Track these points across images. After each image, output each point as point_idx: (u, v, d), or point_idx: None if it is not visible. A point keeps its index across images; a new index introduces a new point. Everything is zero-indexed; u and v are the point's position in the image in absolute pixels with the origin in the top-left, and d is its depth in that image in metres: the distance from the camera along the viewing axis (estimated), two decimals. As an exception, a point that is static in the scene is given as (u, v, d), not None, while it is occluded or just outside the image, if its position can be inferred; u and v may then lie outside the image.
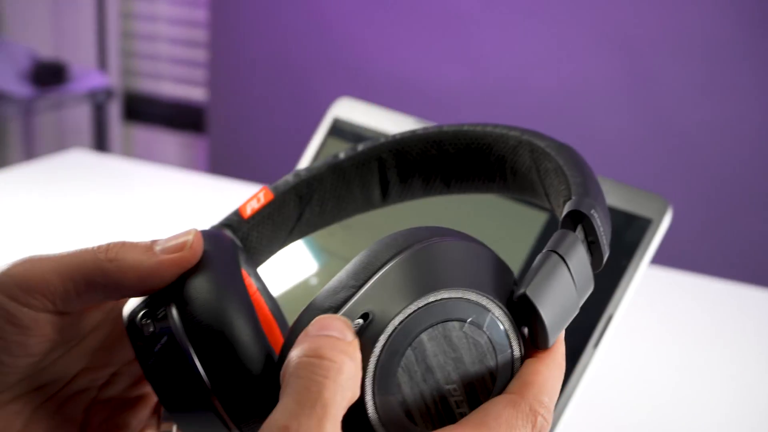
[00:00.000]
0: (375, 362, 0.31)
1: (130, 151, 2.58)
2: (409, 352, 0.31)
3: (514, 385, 0.33)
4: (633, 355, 0.86)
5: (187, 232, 0.36)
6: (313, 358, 0.30)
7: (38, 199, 1.15)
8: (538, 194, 0.38)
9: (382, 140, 0.41)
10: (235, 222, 0.40)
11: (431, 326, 0.31)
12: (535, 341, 0.33)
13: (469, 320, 0.32)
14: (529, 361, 0.33)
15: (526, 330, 0.33)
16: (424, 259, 0.32)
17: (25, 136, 2.55)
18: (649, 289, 0.79)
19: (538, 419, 0.32)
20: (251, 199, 0.40)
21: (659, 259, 0.77)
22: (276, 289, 0.67)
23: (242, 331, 0.33)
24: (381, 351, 0.31)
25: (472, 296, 0.32)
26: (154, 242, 0.36)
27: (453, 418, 0.32)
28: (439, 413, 0.32)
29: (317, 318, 0.31)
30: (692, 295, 0.99)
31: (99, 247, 0.36)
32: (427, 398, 0.31)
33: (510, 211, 0.66)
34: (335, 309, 0.32)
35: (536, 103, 1.95)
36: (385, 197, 0.41)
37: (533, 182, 0.38)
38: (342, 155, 0.41)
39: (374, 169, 0.41)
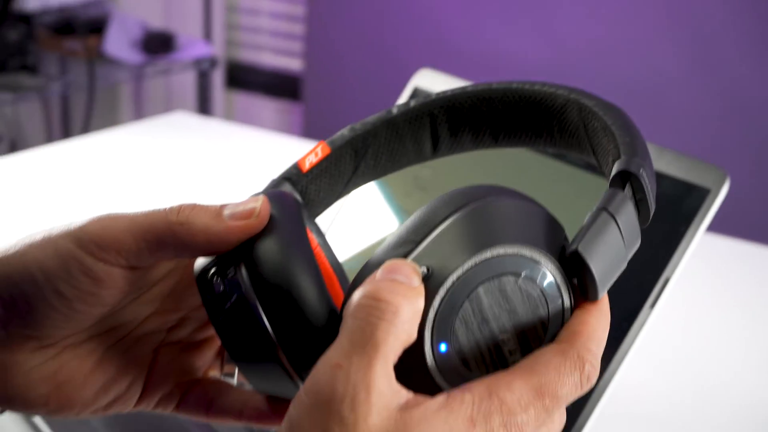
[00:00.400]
0: (434, 313, 0.32)
1: (231, 116, 2.67)
2: (466, 304, 0.32)
3: (563, 334, 0.34)
4: (687, 317, 0.87)
5: (255, 199, 0.37)
6: (371, 299, 0.31)
7: (144, 155, 1.21)
8: (585, 151, 0.39)
9: (434, 97, 0.42)
10: (294, 175, 0.41)
11: (488, 280, 0.32)
12: (585, 293, 0.34)
13: (523, 274, 0.33)
14: (577, 312, 0.34)
15: (576, 281, 0.34)
16: (480, 216, 0.33)
17: (135, 99, 2.66)
18: (705, 255, 0.79)
19: (586, 366, 0.33)
20: (309, 153, 0.42)
21: (714, 227, 0.78)
22: (353, 248, 0.70)
23: (308, 292, 0.34)
24: (440, 303, 0.32)
25: (527, 252, 0.33)
26: (223, 207, 0.36)
27: (506, 365, 0.33)
28: (493, 360, 0.33)
29: (387, 261, 0.32)
30: (746, 262, 1.00)
31: (171, 209, 0.36)
32: (482, 346, 0.32)
33: (577, 179, 0.68)
34: None
35: (609, 78, 1.96)
36: (436, 150, 0.43)
37: (581, 140, 0.39)
38: (395, 111, 0.42)
39: (426, 124, 0.42)
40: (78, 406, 0.39)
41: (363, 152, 0.42)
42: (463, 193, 0.34)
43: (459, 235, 0.33)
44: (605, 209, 0.34)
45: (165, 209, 0.37)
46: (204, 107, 2.38)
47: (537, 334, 0.33)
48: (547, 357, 0.33)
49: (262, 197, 0.37)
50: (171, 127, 1.34)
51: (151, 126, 1.35)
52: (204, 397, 0.42)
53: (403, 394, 0.31)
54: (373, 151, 0.42)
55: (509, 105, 0.41)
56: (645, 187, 0.35)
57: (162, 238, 0.36)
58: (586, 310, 0.34)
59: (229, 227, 0.36)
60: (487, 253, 0.32)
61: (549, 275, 0.33)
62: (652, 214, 0.36)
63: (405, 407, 0.31)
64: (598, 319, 0.34)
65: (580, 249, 0.33)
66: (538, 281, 0.33)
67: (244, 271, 0.35)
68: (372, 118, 0.42)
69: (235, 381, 0.42)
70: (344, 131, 0.42)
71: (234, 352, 0.36)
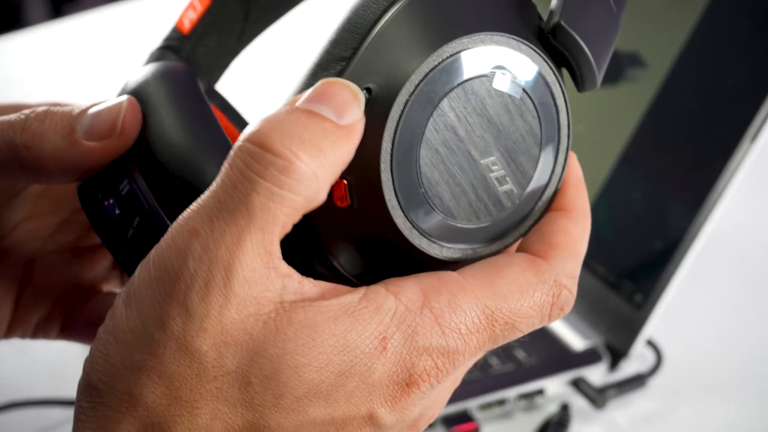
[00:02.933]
0: (389, 149, 0.25)
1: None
2: (430, 126, 0.25)
3: (537, 245, 0.27)
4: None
5: (118, 104, 0.28)
6: (255, 143, 0.23)
7: None
8: None
9: None
10: (175, 41, 0.34)
11: (452, 89, 0.25)
12: (581, 83, 0.27)
13: (497, 73, 0.26)
14: (554, 216, 0.27)
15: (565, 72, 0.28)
16: (425, 5, 0.26)
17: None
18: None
19: (563, 294, 0.26)
20: (187, 9, 0.34)
21: None
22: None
23: None
24: (395, 133, 0.25)
25: (496, 41, 0.26)
26: (79, 116, 0.28)
27: (498, 202, 0.26)
28: (480, 200, 0.26)
29: (320, 82, 0.24)
30: None
31: (14, 123, 0.28)
32: (462, 183, 0.26)
33: None
34: None
35: None
36: None
37: None
38: None
39: None
40: None
41: None
42: None
43: (402, 35, 0.25)
44: None
45: (8, 123, 0.28)
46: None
47: (529, 152, 0.27)
48: (513, 273, 0.26)
49: (124, 101, 0.28)
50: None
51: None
52: (97, 316, 0.35)
53: (291, 285, 0.23)
54: None
55: None
56: None
57: (5, 162, 0.28)
58: (564, 214, 0.27)
59: (86, 151, 0.28)
60: (445, 52, 0.25)
61: (531, 67, 0.26)
62: None
63: (288, 305, 0.23)
64: (580, 226, 0.27)
65: (564, 21, 0.26)
66: (518, 78, 0.26)
67: (142, 180, 0.28)
68: None
69: None
70: None
71: None
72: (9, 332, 0.34)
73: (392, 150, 0.25)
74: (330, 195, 0.25)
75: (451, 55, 0.25)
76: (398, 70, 0.25)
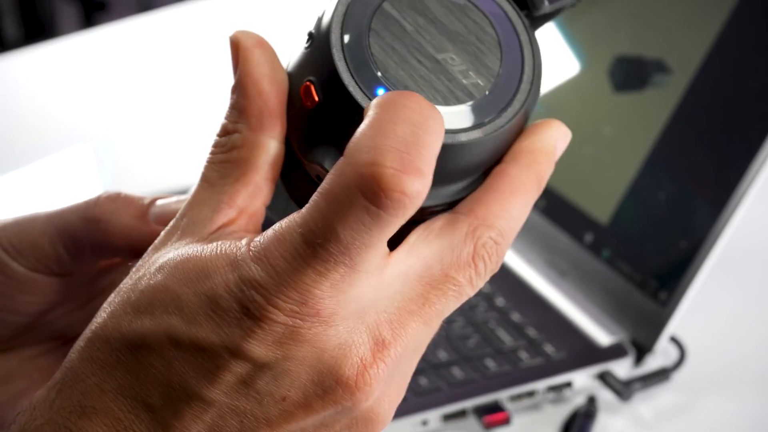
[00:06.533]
0: (339, 39, 0.26)
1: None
2: (375, 21, 0.26)
3: (460, 205, 0.26)
4: None
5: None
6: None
7: None
8: None
9: None
10: None
11: None
12: (530, 2, 0.27)
13: None
14: (489, 178, 0.26)
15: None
16: None
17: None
18: None
19: (480, 243, 0.24)
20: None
21: None
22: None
23: None
24: (341, 26, 0.26)
25: None
26: (152, 203, 0.31)
27: (466, 90, 0.26)
28: (444, 85, 0.26)
29: None
30: None
31: (89, 202, 0.31)
32: (422, 72, 0.26)
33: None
34: None
35: None
36: None
37: None
38: None
39: None
40: None
41: None
42: None
43: None
44: None
45: (84, 202, 0.31)
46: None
47: (491, 52, 0.27)
48: (430, 228, 0.25)
49: None
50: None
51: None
52: None
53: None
54: None
55: None
56: None
57: (78, 239, 0.30)
58: (500, 174, 0.26)
59: (155, 233, 0.28)
60: None
61: None
62: None
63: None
64: (519, 184, 0.26)
65: None
66: None
67: None
68: None
69: None
70: None
71: None
72: None
73: (342, 40, 0.26)
74: (300, 101, 0.26)
75: None
76: None
